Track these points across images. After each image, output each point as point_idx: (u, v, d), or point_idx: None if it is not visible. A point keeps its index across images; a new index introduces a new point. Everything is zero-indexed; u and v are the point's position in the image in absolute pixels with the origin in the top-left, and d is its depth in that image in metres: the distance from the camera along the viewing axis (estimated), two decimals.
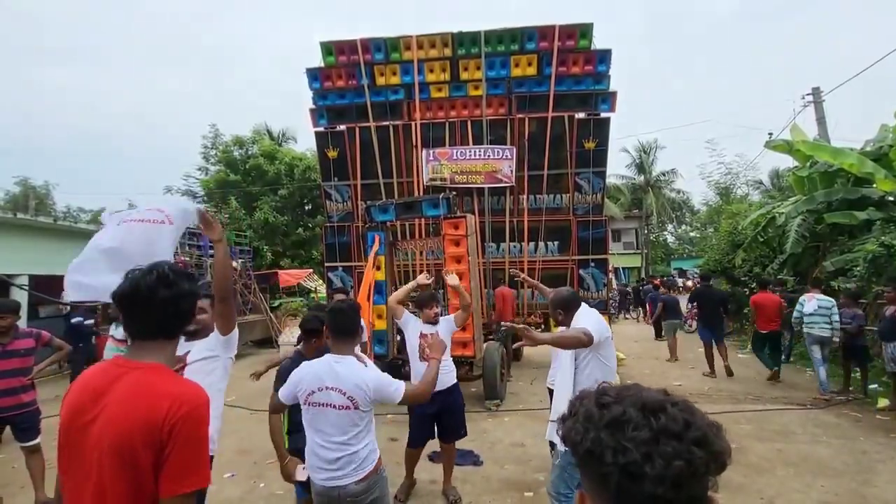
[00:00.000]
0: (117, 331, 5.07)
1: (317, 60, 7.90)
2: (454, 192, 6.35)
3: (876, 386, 6.69)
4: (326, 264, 8.59)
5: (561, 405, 2.72)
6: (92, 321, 7.36)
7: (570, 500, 2.74)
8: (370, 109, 7.89)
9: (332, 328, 2.26)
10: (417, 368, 3.63)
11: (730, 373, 7.68)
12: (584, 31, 7.34)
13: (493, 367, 6.17)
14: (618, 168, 36.13)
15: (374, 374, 2.17)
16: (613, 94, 7.67)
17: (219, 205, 17.01)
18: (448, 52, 7.58)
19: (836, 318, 6.29)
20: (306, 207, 18.29)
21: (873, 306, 7.13)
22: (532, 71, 7.58)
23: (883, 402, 6.15)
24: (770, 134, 10.52)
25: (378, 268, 5.97)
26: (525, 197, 8.03)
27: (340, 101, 8.01)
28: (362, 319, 3.94)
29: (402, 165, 8.08)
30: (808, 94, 12.06)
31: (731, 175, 19.32)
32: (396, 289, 6.75)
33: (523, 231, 8.07)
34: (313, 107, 8.11)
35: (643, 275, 34.15)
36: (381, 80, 7.80)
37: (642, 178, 36.48)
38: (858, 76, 15.70)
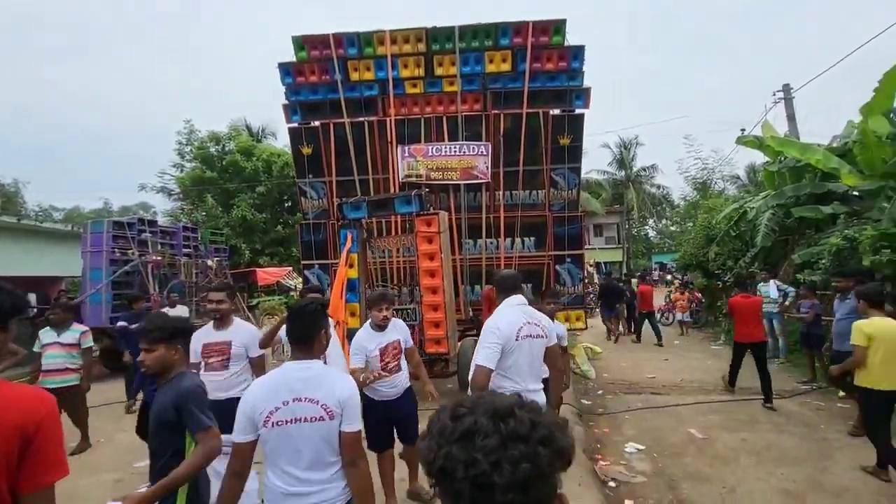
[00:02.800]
0: (64, 335, 4.75)
1: (290, 55, 7.76)
2: (427, 189, 6.32)
3: None
4: (303, 262, 8.48)
5: None
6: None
7: None
8: (344, 105, 7.78)
9: (288, 333, 1.98)
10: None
11: (616, 341, 11.40)
12: (558, 27, 7.35)
13: (467, 363, 6.16)
14: (599, 164, 36.53)
15: (351, 386, 1.92)
16: (587, 90, 7.71)
17: (195, 202, 16.67)
18: (422, 47, 7.51)
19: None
20: (286, 204, 18.04)
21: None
22: (506, 67, 7.56)
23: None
24: (742, 130, 10.76)
25: (351, 265, 5.92)
26: (501, 193, 8.02)
27: (314, 97, 7.87)
28: (331, 320, 3.88)
29: (377, 162, 7.99)
30: (778, 91, 12.35)
31: (708, 170, 19.65)
32: (371, 287, 6.77)
33: (500, 227, 8.08)
34: (286, 102, 7.97)
35: (624, 269, 34.76)
36: (354, 76, 7.70)
37: (623, 173, 36.95)
38: (827, 72, 16.14)
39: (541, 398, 2.86)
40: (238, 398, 2.81)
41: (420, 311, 5.71)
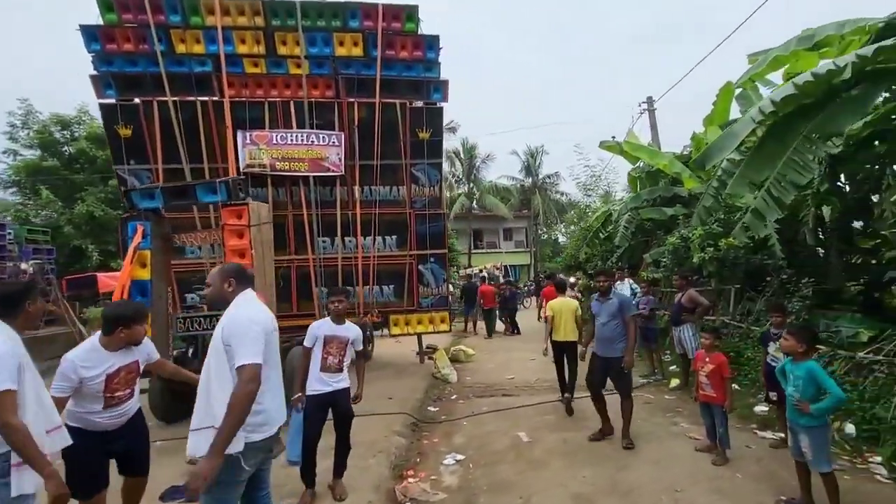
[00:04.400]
0: None
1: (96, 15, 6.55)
2: (242, 177, 5.58)
3: (675, 367, 7.27)
4: (125, 263, 7.21)
5: (219, 411, 2.08)
6: None
7: None
8: (169, 81, 6.74)
9: None
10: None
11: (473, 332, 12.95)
12: (410, 13, 7.01)
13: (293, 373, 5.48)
14: (508, 170, 37.86)
15: None
16: (445, 82, 7.46)
17: (29, 195, 14.09)
18: (260, 21, 6.73)
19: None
20: None
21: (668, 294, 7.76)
22: (358, 51, 7.05)
23: (675, 382, 6.65)
24: (613, 137, 11.32)
25: (144, 265, 4.98)
26: (357, 188, 7.48)
27: (131, 69, 6.73)
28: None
29: (214, 148, 7.03)
30: (643, 103, 13.29)
31: (595, 177, 20.85)
32: (173, 290, 5.82)
33: (356, 224, 7.52)
34: (96, 73, 6.72)
35: (532, 272, 36.31)
36: (181, 48, 6.69)
37: (530, 180, 38.59)
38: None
39: (280, 407, 2.31)
40: None
41: None
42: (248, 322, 2.14)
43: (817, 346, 5.11)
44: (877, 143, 5.83)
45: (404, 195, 7.75)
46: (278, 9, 6.72)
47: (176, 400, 4.98)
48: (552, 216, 39.17)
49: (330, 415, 3.62)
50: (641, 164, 10.17)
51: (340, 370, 3.63)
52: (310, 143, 7.09)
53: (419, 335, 8.22)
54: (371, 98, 7.25)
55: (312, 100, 7.12)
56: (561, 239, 45.45)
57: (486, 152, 35.56)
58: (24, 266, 9.41)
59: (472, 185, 35.43)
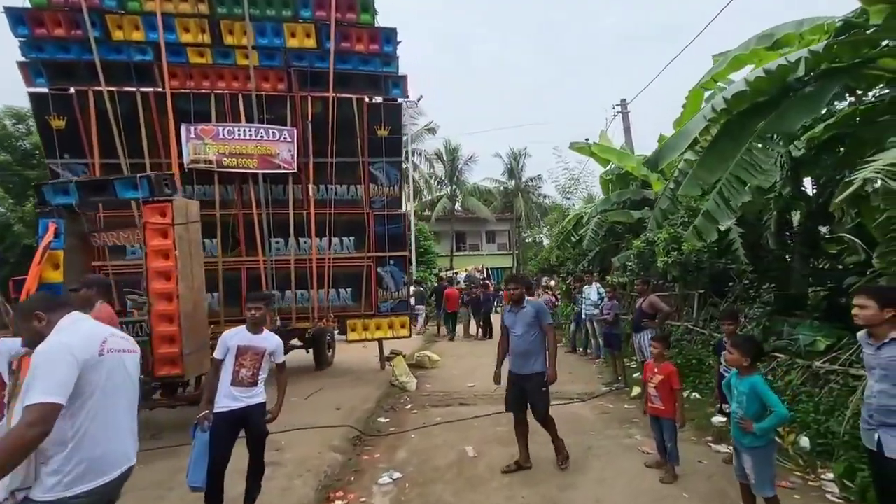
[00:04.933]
0: None
1: None
2: (170, 172, 5.20)
3: (638, 374, 7.06)
4: (32, 264, 6.73)
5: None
6: None
7: None
8: (107, 70, 6.30)
9: None
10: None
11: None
12: (365, 4, 6.70)
13: None
14: (491, 172, 37.65)
15: None
16: (404, 77, 7.16)
17: None
18: (204, 8, 6.35)
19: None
20: None
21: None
22: (311, 43, 6.71)
23: (636, 391, 6.43)
24: (587, 139, 11.17)
25: (57, 266, 4.56)
26: (311, 186, 7.13)
27: (65, 56, 6.28)
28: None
29: (156, 143, 6.62)
30: (617, 105, 13.19)
31: (574, 180, 20.81)
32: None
33: (311, 225, 7.17)
34: (25, 59, 6.25)
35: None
36: (118, 34, 6.27)
37: (513, 182, 38.49)
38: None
39: (122, 446, 1.95)
40: None
41: (150, 323, 4.52)
42: (53, 350, 1.74)
43: (775, 355, 4.96)
44: (840, 146, 5.71)
45: (362, 194, 7.43)
46: None
47: None
48: (535, 219, 39.17)
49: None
50: (613, 166, 10.02)
51: (254, 384, 3.28)
52: (259, 138, 6.72)
53: (380, 341, 7.90)
54: (325, 92, 6.91)
55: (263, 93, 6.76)
56: (545, 241, 45.64)
57: (468, 154, 35.28)
58: None
59: (454, 186, 35.15)
